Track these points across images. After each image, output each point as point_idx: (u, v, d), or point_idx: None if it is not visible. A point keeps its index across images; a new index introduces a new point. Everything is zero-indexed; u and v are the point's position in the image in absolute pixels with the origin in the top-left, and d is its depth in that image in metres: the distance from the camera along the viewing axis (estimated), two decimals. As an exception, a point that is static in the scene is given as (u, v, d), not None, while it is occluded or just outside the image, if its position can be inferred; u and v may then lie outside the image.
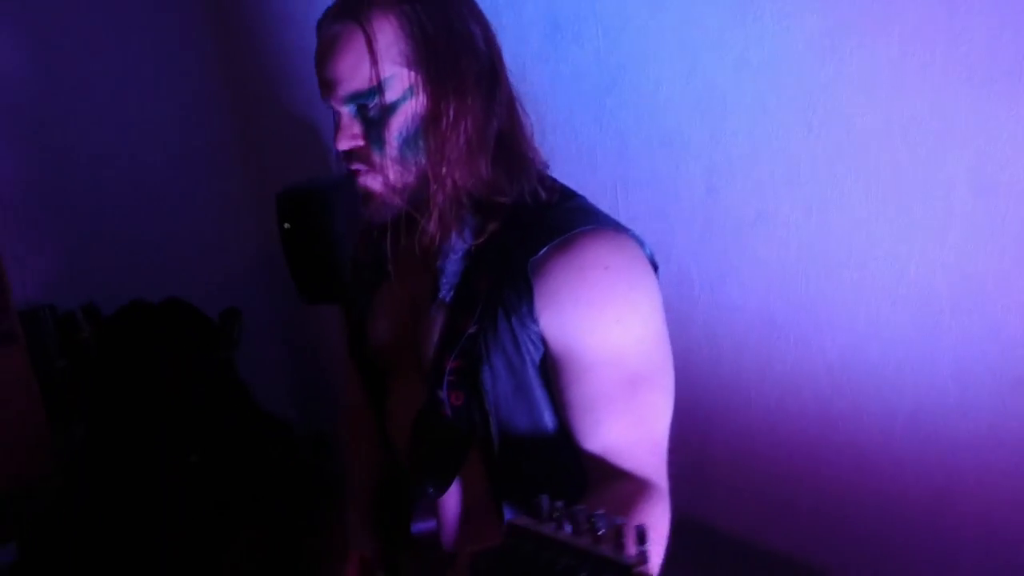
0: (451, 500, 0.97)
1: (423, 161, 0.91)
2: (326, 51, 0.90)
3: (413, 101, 0.89)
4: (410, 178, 0.92)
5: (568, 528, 0.53)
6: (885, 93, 1.45)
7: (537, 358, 0.89)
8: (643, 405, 0.87)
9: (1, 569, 2.47)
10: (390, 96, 0.88)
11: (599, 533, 0.52)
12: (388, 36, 0.87)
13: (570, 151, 2.05)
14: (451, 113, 0.89)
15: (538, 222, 0.92)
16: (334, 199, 2.41)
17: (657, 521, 0.83)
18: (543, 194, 0.95)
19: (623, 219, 1.00)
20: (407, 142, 0.90)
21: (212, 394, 2.94)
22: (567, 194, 0.99)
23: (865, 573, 1.70)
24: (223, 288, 3.18)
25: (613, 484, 0.83)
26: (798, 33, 1.54)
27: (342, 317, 1.28)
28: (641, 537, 0.51)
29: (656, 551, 0.81)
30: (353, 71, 0.88)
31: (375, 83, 0.87)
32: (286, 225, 2.46)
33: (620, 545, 0.51)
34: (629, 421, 0.86)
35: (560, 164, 2.10)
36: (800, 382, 1.72)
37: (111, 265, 2.98)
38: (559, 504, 0.55)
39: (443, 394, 0.92)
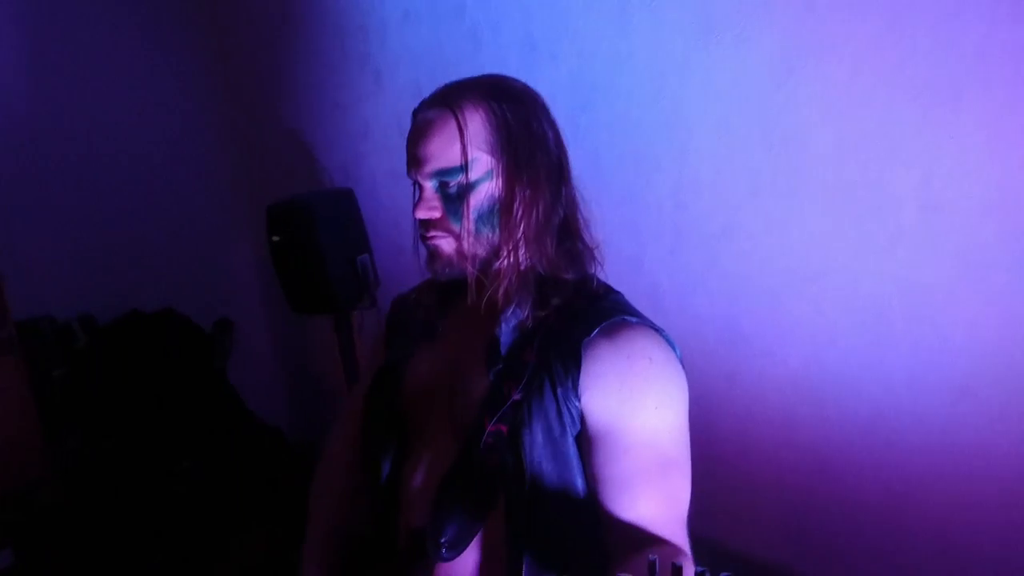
0: (467, 559, 1.02)
1: (494, 237, 1.02)
2: (421, 132, 1.02)
3: (491, 183, 1.01)
4: (480, 250, 1.03)
5: None
6: (838, 114, 1.52)
7: (574, 432, 0.97)
8: (673, 486, 0.95)
9: (-3, 573, 2.53)
10: (472, 176, 1.00)
11: None
12: (476, 125, 1.00)
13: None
14: (524, 198, 1.01)
15: (590, 307, 1.02)
16: (321, 212, 2.49)
17: None
18: (593, 283, 1.07)
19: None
20: (482, 218, 1.02)
21: (204, 402, 3.01)
22: (611, 289, 1.09)
23: (828, 574, 1.76)
24: (218, 299, 3.25)
25: (653, 548, 0.89)
26: (758, 57, 1.61)
27: (344, 339, 1.35)
28: None
29: None
30: (443, 151, 1.00)
31: (461, 163, 0.99)
32: (275, 237, 2.53)
33: None
34: (662, 498, 0.93)
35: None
36: (766, 391, 1.79)
37: (107, 276, 3.05)
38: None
39: (480, 453, 0.99)
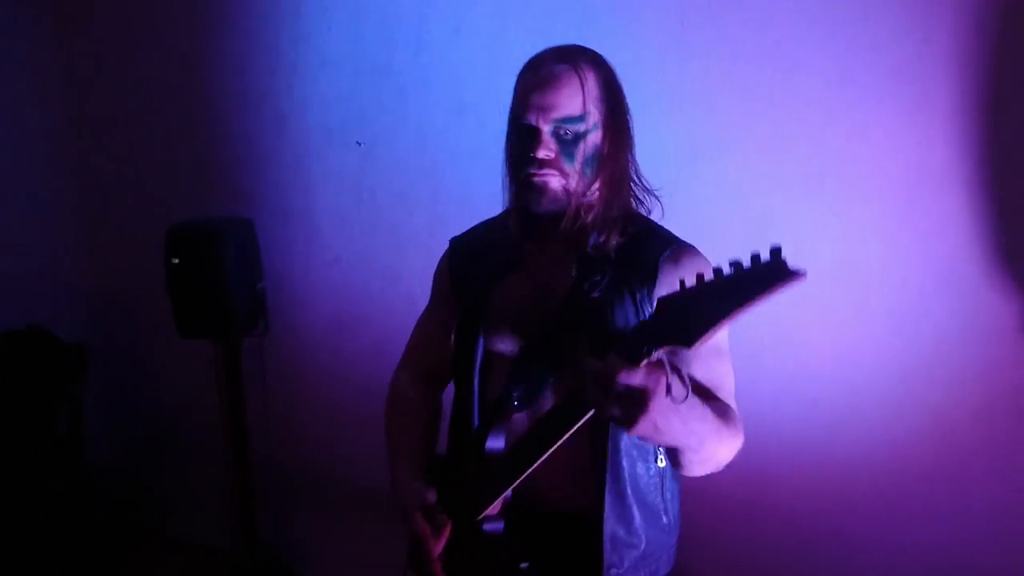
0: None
1: (591, 176, 1.24)
2: (547, 82, 1.20)
3: (597, 133, 1.22)
4: (581, 187, 1.23)
5: None
6: (739, 191, 1.96)
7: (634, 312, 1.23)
8: (724, 365, 1.25)
9: None
10: (585, 126, 1.20)
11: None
12: (591, 83, 1.21)
13: (463, 216, 2.39)
14: (617, 146, 1.24)
15: (654, 234, 1.28)
16: (228, 238, 2.55)
17: (737, 424, 1.19)
18: (649, 216, 1.33)
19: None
20: (587, 161, 1.22)
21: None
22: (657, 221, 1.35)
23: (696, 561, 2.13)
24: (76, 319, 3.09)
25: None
26: (665, 137, 2.02)
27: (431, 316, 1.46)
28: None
29: (732, 440, 1.16)
30: (568, 101, 1.19)
31: (581, 113, 1.20)
32: (175, 260, 2.54)
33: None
34: (720, 373, 1.23)
35: (454, 225, 2.41)
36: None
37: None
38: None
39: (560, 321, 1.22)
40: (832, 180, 1.87)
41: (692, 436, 1.05)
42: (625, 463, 1.22)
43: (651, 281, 1.22)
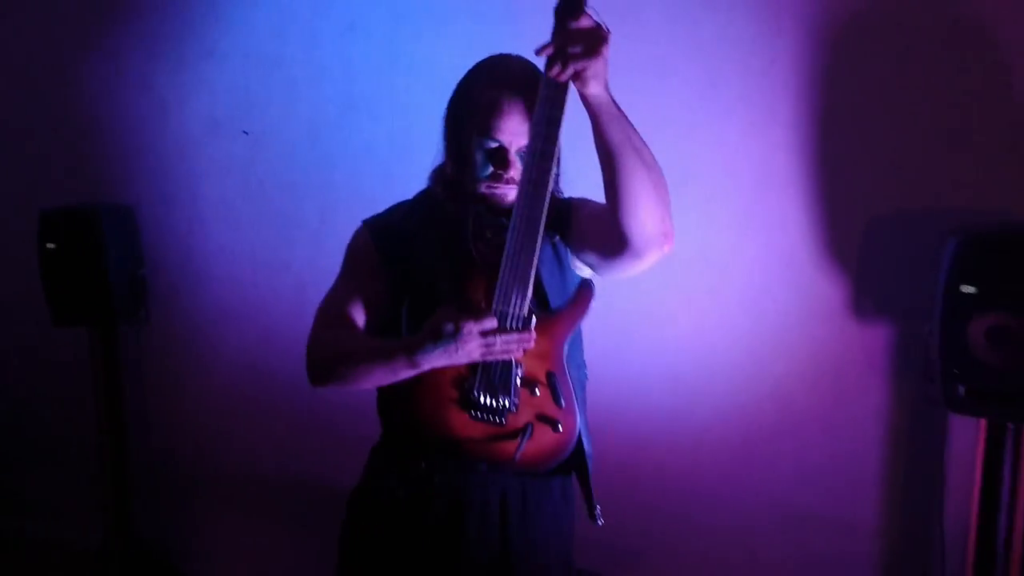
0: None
1: None
2: (515, 110, 1.35)
3: None
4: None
5: None
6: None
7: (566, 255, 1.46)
8: None
9: None
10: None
11: None
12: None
13: (353, 206, 2.48)
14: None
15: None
16: (107, 224, 2.52)
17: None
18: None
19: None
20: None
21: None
22: None
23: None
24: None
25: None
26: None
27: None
28: None
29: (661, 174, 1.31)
30: (526, 126, 1.36)
31: None
32: (49, 244, 2.47)
33: None
34: None
35: (345, 217, 2.52)
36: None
37: None
38: None
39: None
40: (693, 181, 2.13)
41: (631, 129, 1.26)
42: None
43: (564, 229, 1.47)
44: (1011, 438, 1.69)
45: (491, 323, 1.28)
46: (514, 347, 1.30)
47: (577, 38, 1.19)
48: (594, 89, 1.22)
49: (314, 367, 1.44)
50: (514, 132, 1.37)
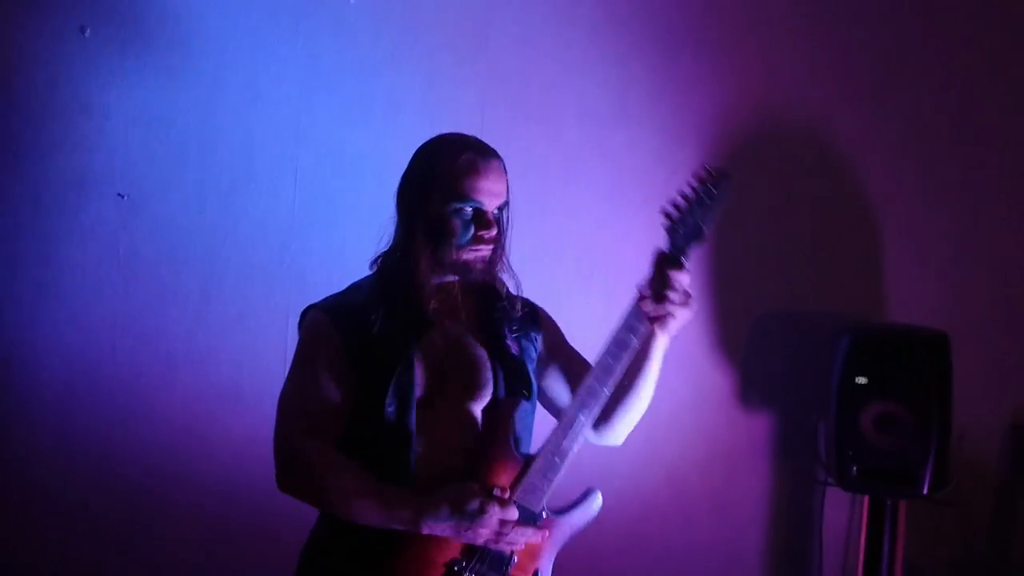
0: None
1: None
2: (490, 171, 1.37)
3: (507, 211, 1.43)
4: (500, 253, 1.44)
5: None
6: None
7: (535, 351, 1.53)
8: None
9: None
10: (508, 206, 1.44)
11: None
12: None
13: (242, 283, 2.37)
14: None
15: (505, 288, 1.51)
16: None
17: None
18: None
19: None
20: (505, 233, 1.45)
21: None
22: None
23: None
24: None
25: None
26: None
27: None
28: None
29: None
30: (503, 188, 1.40)
31: (507, 197, 1.41)
32: None
33: None
34: None
35: (231, 292, 2.37)
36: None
37: None
38: None
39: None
40: (597, 274, 2.27)
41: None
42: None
43: (537, 325, 1.53)
44: (889, 513, 1.91)
45: (513, 515, 1.30)
46: (521, 541, 1.33)
47: (677, 288, 1.34)
48: (670, 334, 1.37)
49: (292, 477, 1.36)
50: (491, 192, 1.39)
